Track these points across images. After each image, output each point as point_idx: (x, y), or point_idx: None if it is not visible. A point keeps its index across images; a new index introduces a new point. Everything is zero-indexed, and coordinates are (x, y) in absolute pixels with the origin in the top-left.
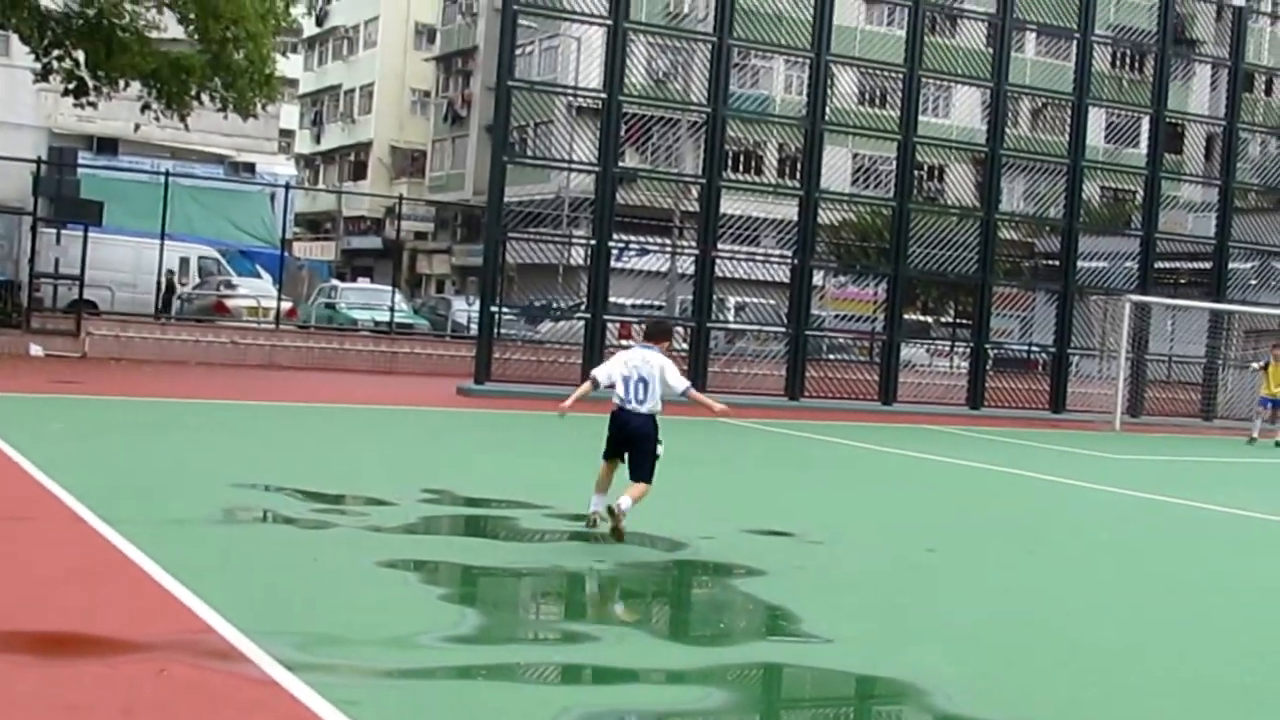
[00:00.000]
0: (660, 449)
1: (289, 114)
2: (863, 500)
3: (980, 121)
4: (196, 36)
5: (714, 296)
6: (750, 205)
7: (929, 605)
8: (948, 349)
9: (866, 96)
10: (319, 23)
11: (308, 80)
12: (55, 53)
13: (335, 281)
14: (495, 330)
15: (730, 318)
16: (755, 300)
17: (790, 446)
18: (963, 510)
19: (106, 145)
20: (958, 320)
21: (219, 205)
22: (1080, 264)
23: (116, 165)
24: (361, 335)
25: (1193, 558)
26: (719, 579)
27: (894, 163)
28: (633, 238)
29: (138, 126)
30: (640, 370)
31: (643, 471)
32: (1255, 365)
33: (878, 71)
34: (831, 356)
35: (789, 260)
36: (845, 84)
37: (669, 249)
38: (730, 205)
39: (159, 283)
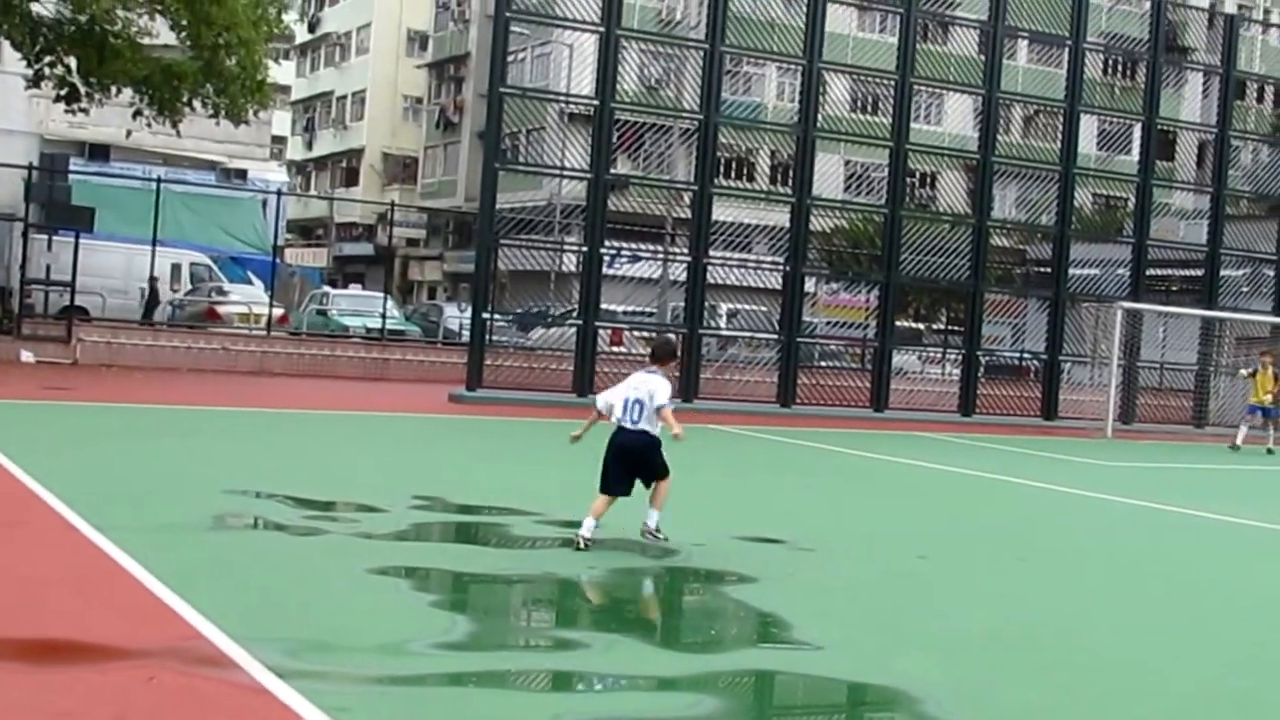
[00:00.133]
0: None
1: (281, 120)
2: (854, 507)
3: (972, 128)
4: (188, 43)
5: (706, 303)
6: (742, 212)
7: (920, 613)
8: (939, 356)
9: (859, 103)
10: (311, 29)
11: (300, 87)
12: (47, 59)
13: (327, 288)
14: (487, 337)
15: (722, 324)
16: (747, 307)
17: (782, 453)
18: (954, 517)
19: (98, 151)
20: (949, 327)
21: (211, 211)
22: (1072, 271)
23: (108, 171)
24: (353, 342)
25: (1185, 565)
26: (710, 586)
27: (886, 169)
28: (625, 244)
29: (129, 133)
30: (638, 393)
31: (657, 474)
32: (1244, 372)
33: (870, 78)
34: (823, 363)
35: (781, 267)
36: (837, 91)
37: (661, 256)
38: (722, 212)
39: (142, 289)
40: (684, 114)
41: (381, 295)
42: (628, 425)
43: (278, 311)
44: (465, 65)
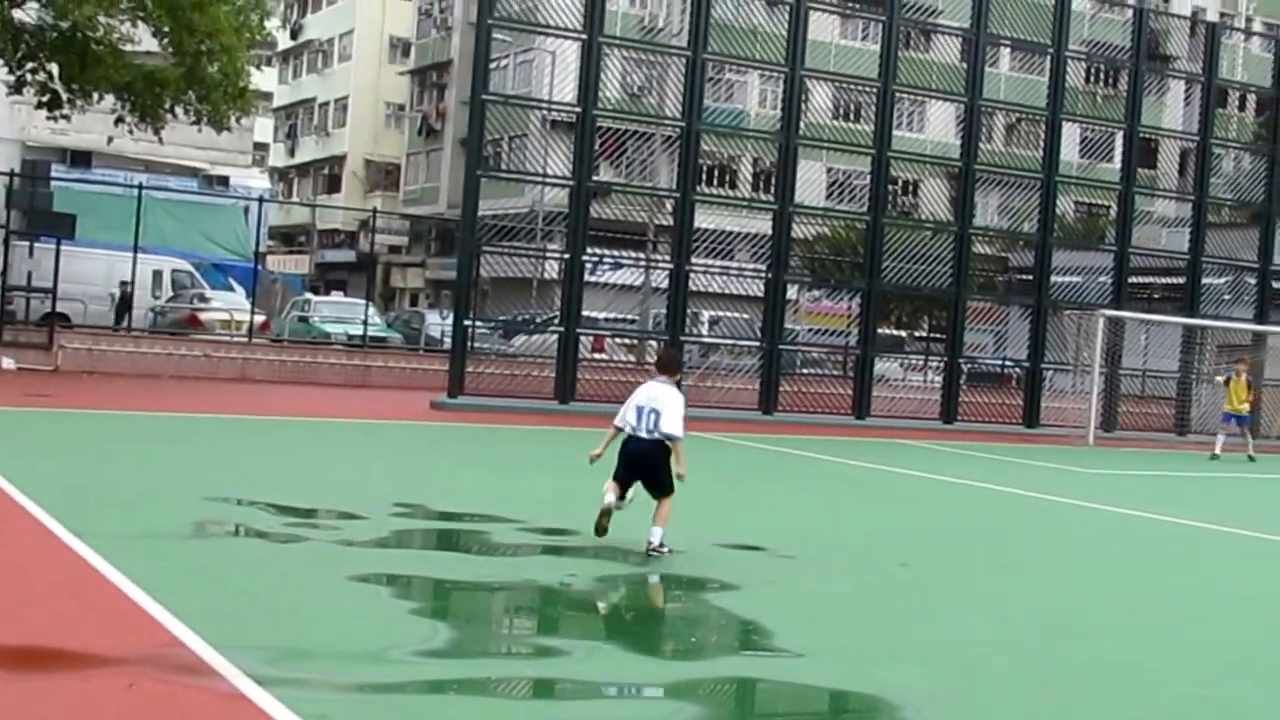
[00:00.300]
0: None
1: (263, 127)
2: (836, 515)
3: (954, 136)
4: (171, 50)
5: (688, 310)
6: (724, 219)
7: (902, 620)
8: (921, 363)
9: (841, 111)
10: (293, 36)
11: (282, 93)
12: (29, 65)
13: (309, 295)
14: (469, 344)
15: (704, 332)
16: (729, 314)
17: (764, 461)
18: (936, 525)
19: (80, 158)
20: (931, 334)
21: (192, 218)
22: (1054, 278)
23: (90, 178)
24: (335, 349)
25: (1168, 572)
26: (691, 593)
27: (868, 177)
28: (607, 251)
29: (111, 139)
30: (652, 403)
31: (662, 489)
32: (1219, 380)
33: (852, 86)
34: (805, 371)
35: (763, 274)
36: (820, 98)
37: (643, 263)
38: (704, 219)
39: (113, 294)
40: (666, 121)
41: (363, 302)
42: (642, 434)
43: (259, 318)
44: (448, 72)
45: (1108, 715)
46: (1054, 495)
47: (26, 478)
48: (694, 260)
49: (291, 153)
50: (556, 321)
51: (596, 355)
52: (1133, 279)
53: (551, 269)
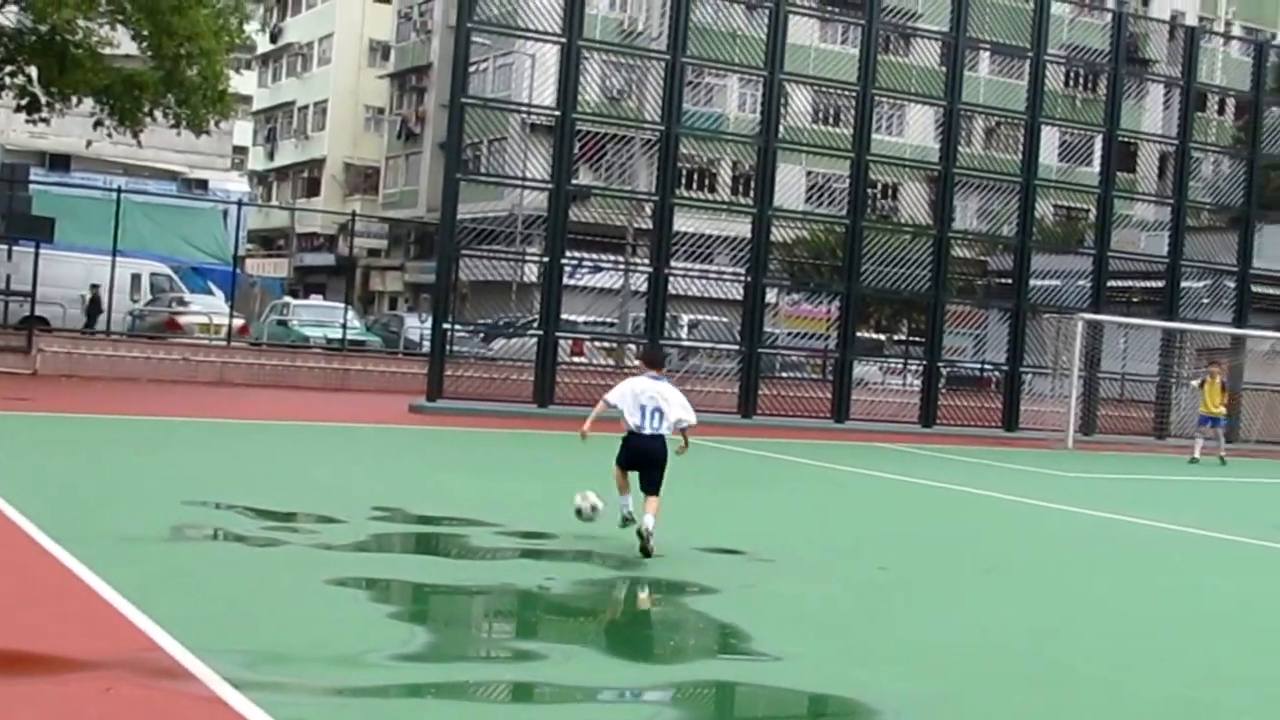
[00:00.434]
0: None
1: (242, 130)
2: (815, 518)
3: (934, 140)
4: (150, 53)
5: (667, 314)
6: (704, 223)
7: (880, 624)
8: (901, 367)
9: (820, 115)
10: (273, 39)
11: (261, 97)
12: (8, 69)
13: (288, 298)
14: (447, 347)
15: (683, 335)
16: (708, 318)
17: (742, 464)
18: (915, 529)
19: (59, 162)
20: (911, 338)
21: (172, 222)
22: (1033, 282)
23: (69, 181)
24: (314, 352)
25: (1146, 576)
26: (670, 597)
27: (847, 181)
28: (586, 255)
29: (90, 143)
30: (656, 400)
31: (655, 486)
32: (1193, 384)
33: (831, 90)
34: (784, 374)
35: (742, 278)
36: (799, 102)
37: (622, 266)
38: (684, 223)
39: (83, 296)
40: (645, 125)
41: (342, 305)
42: (647, 431)
43: (238, 322)
44: (427, 75)
45: (1089, 718)
46: (1033, 499)
47: (4, 481)
48: (673, 264)
49: (271, 156)
50: (535, 325)
51: (575, 359)
52: (1112, 282)
53: (530, 272)
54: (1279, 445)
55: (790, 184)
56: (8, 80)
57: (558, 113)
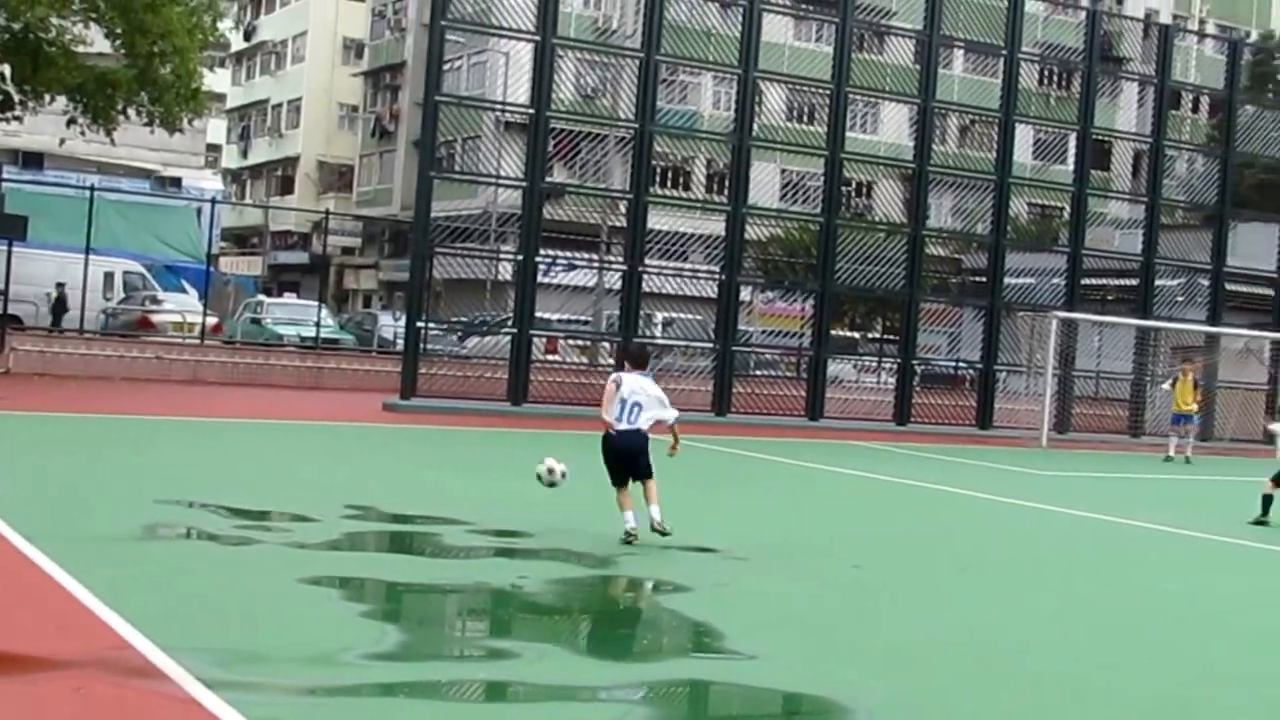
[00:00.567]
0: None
1: (216, 129)
2: (789, 517)
3: (908, 138)
4: (123, 51)
5: (641, 312)
6: (678, 221)
7: (854, 623)
8: (875, 365)
9: (794, 113)
10: (247, 37)
11: (235, 95)
12: None
13: (261, 296)
14: (421, 345)
15: (657, 333)
16: (683, 316)
17: (716, 462)
18: (889, 527)
19: (32, 159)
20: (885, 336)
21: (145, 220)
22: (1007, 280)
23: (42, 180)
24: (287, 351)
25: (1121, 574)
26: (643, 595)
27: (822, 179)
28: (560, 253)
29: (63, 141)
30: (636, 396)
31: (645, 471)
32: (1165, 386)
33: (806, 88)
34: (759, 372)
35: (716, 275)
36: (773, 100)
37: (596, 264)
38: (658, 221)
39: (49, 294)
40: (620, 123)
41: (316, 304)
42: (624, 426)
43: (212, 320)
44: (401, 73)
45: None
46: (1007, 497)
47: None
48: (647, 262)
49: (244, 154)
50: (509, 323)
51: (550, 357)
52: (1086, 281)
53: (505, 270)
54: (1253, 444)
55: (765, 182)
56: None
57: (532, 111)
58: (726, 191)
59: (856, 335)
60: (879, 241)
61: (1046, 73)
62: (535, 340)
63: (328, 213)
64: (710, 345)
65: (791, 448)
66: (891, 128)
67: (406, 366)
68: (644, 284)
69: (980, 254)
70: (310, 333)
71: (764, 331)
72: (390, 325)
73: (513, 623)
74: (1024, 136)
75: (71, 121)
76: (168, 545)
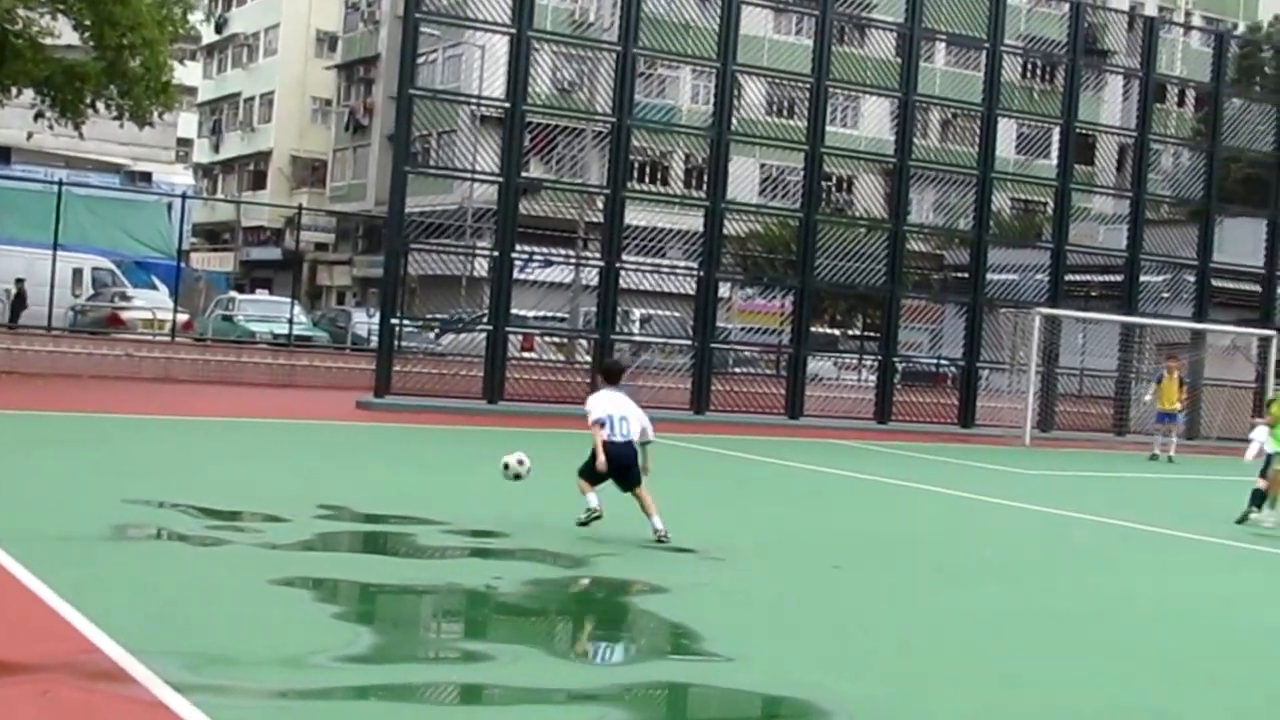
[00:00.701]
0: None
1: (187, 122)
2: (768, 516)
3: (889, 132)
4: (92, 43)
5: (618, 309)
6: (656, 216)
7: (833, 624)
8: (856, 362)
9: (774, 107)
10: (218, 30)
11: (206, 88)
12: None
13: (233, 293)
14: (396, 343)
15: (635, 330)
16: (660, 313)
17: (695, 461)
18: (871, 526)
19: None
20: (866, 333)
21: (114, 215)
22: (990, 276)
23: (9, 174)
24: (259, 348)
25: (1103, 575)
26: (620, 596)
27: (801, 173)
28: (536, 249)
29: (31, 135)
30: (622, 410)
31: (635, 480)
32: (1146, 399)
33: (785, 81)
34: (738, 370)
35: (695, 272)
36: (752, 94)
37: (573, 260)
38: (635, 216)
39: (8, 290)
40: (597, 117)
41: (289, 300)
42: (618, 438)
43: (182, 317)
44: (375, 67)
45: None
46: (990, 496)
47: None
48: (625, 258)
49: (216, 148)
50: (485, 320)
51: (526, 354)
52: (1070, 277)
53: (480, 266)
54: (1240, 442)
55: (743, 177)
56: None
57: (508, 105)
58: (705, 187)
59: (837, 332)
60: (860, 237)
61: (1030, 66)
62: (511, 337)
63: (300, 208)
64: (688, 342)
65: (771, 446)
66: (872, 122)
67: (380, 364)
68: (621, 280)
69: (962, 250)
70: (283, 330)
71: (743, 328)
72: (364, 322)
73: (487, 624)
74: (1007, 131)
75: (39, 115)
76: (136, 546)
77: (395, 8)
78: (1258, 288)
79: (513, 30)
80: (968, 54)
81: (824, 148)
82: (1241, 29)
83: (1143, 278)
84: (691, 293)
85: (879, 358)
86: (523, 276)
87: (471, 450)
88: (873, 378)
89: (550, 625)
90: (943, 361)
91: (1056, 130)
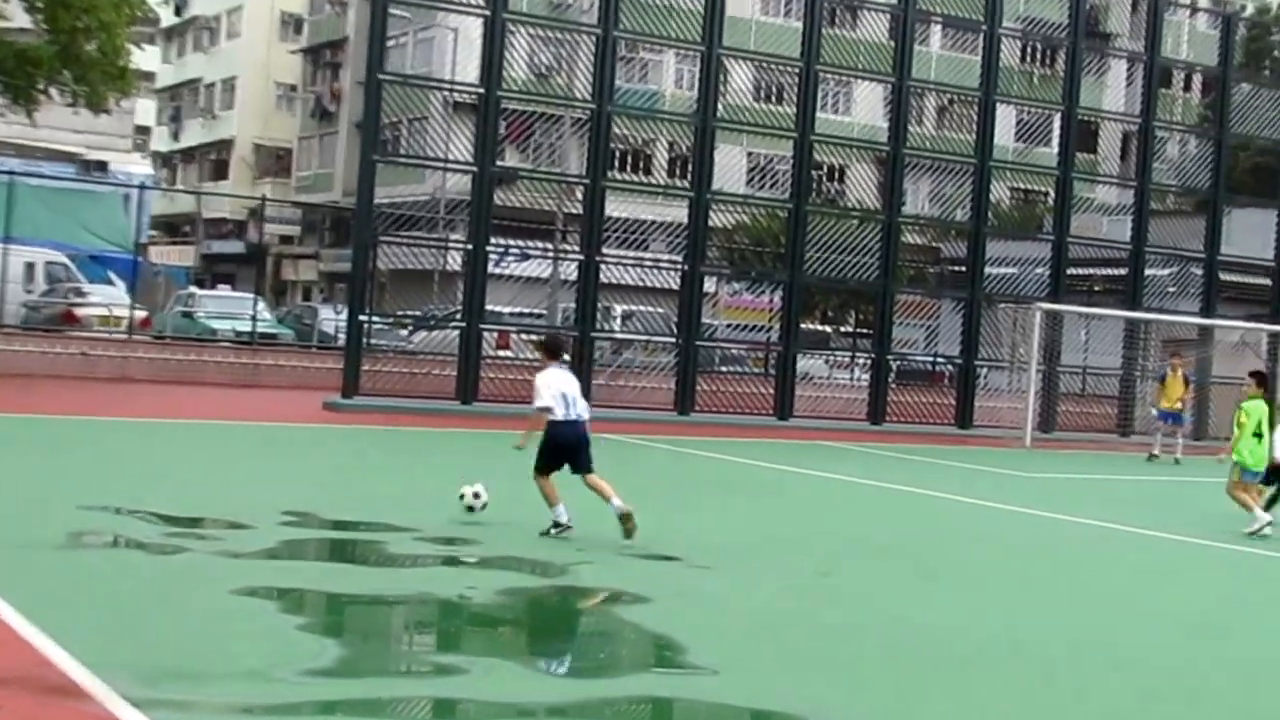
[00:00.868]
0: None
1: (145, 109)
2: (755, 522)
3: (882, 119)
4: (45, 27)
5: (599, 304)
6: (638, 207)
7: (821, 634)
8: (848, 360)
9: (762, 92)
10: (178, 12)
11: (165, 73)
12: None
13: (193, 289)
14: (365, 341)
15: (616, 327)
16: (643, 308)
17: (678, 464)
18: (861, 532)
19: None
20: (858, 330)
21: (68, 207)
22: (988, 270)
23: None
24: (221, 346)
25: (1101, 582)
26: (599, 606)
27: (791, 162)
28: (512, 242)
29: None
30: (573, 389)
31: (589, 464)
32: (1153, 412)
33: (774, 66)
34: (724, 369)
35: (679, 266)
36: (739, 79)
37: (551, 254)
38: (616, 207)
39: None
40: (576, 103)
41: (252, 296)
42: (572, 418)
43: (140, 314)
44: (343, 50)
45: None
46: (988, 501)
47: None
48: (605, 251)
49: (175, 137)
50: (458, 317)
51: (501, 352)
52: (1072, 270)
53: (454, 260)
54: None
55: (730, 166)
56: None
57: (482, 90)
58: (689, 176)
59: (828, 329)
60: (852, 229)
61: (1029, 49)
62: (486, 335)
63: (264, 199)
64: (672, 340)
65: (759, 449)
66: (865, 108)
67: (349, 363)
68: (602, 275)
69: (959, 242)
70: (246, 327)
71: (730, 325)
72: (331, 319)
73: (461, 636)
74: (1005, 117)
75: None
76: (92, 554)
77: None
78: (1268, 281)
79: (487, 12)
80: (964, 37)
81: (814, 135)
82: (1250, 10)
83: (1148, 271)
84: (675, 288)
85: (872, 356)
86: (498, 271)
87: (444, 453)
88: (866, 377)
89: (526, 637)
90: (939, 359)
91: (1057, 117)
